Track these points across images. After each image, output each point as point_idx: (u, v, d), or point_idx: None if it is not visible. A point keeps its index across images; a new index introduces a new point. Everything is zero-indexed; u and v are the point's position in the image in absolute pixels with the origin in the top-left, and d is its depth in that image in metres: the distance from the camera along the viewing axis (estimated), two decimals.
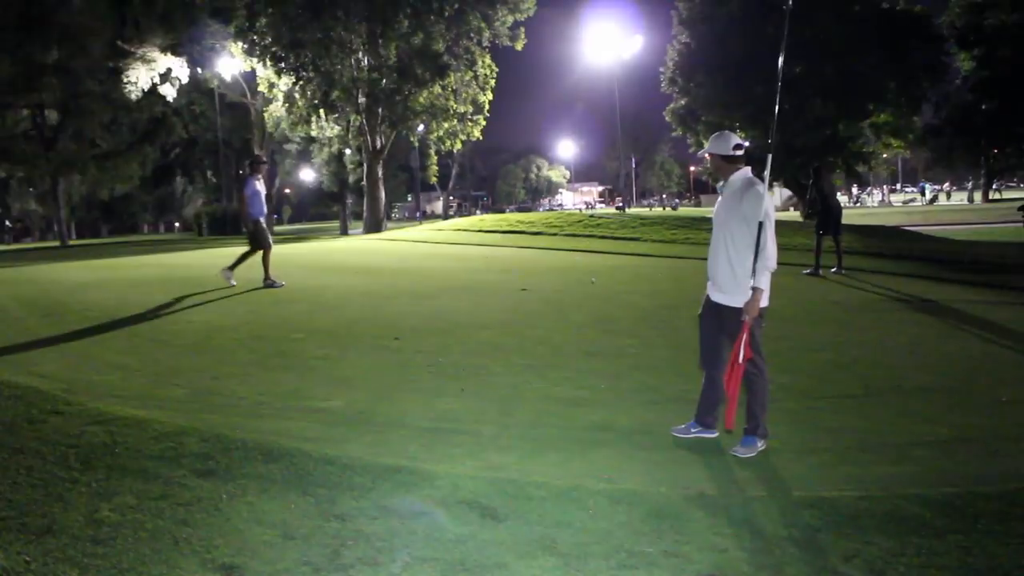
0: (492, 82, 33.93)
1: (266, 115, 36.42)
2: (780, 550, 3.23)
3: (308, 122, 32.74)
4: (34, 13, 28.98)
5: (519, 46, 33.33)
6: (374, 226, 33.06)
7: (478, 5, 31.61)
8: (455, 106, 32.85)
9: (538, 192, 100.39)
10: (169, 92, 33.96)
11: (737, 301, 4.43)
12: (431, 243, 21.89)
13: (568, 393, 5.81)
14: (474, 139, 35.95)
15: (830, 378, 6.25)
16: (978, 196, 56.14)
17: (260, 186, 11.73)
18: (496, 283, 12.09)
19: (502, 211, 65.39)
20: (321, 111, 31.74)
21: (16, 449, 4.18)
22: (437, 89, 31.63)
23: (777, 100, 4.68)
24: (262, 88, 33.60)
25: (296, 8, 29.51)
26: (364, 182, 34.90)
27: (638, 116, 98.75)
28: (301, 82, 30.90)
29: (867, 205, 64.05)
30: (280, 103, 33.06)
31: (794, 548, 3.25)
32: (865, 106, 31.39)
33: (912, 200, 65.66)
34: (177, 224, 73.48)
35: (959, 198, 62.64)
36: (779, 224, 4.46)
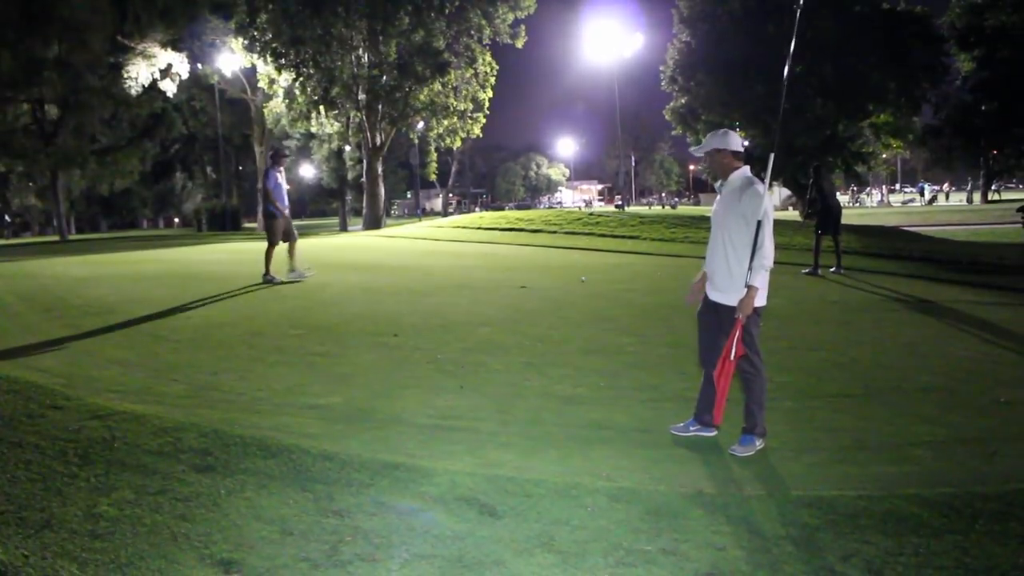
0: (492, 80, 33.92)
1: (266, 111, 36.39)
2: (778, 549, 3.24)
3: (308, 118, 32.71)
4: (35, 8, 28.90)
5: (519, 44, 33.30)
6: (373, 223, 33.05)
7: (479, 2, 31.59)
8: (455, 103, 32.83)
9: (537, 190, 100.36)
10: (169, 88, 33.90)
11: (734, 299, 4.45)
12: (430, 240, 21.89)
13: (567, 391, 5.82)
14: (474, 136, 35.95)
15: (829, 377, 6.25)
16: (977, 197, 56.14)
17: (282, 179, 11.63)
18: (495, 280, 12.10)
19: (501, 209, 65.30)
20: (321, 107, 31.71)
21: (15, 444, 4.18)
22: (437, 86, 31.60)
23: (783, 101, 4.69)
24: (262, 84, 33.56)
25: (297, 4, 29.47)
26: (364, 179, 34.88)
27: (638, 115, 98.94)
28: (301, 78, 30.86)
29: (866, 205, 64.04)
30: (280, 99, 33.03)
31: (792, 547, 3.25)
32: (865, 106, 31.40)
33: (911, 200, 65.65)
34: (176, 220, 73.39)
35: (958, 199, 62.63)
36: (778, 223, 4.47)
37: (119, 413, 4.74)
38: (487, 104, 34.16)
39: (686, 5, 33.71)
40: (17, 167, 38.13)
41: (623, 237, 18.95)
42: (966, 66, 44.93)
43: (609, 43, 38.68)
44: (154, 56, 32.40)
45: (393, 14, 30.24)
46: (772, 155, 4.70)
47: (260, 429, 4.62)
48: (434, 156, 38.35)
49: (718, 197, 4.66)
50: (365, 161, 34.00)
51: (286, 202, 11.71)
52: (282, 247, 11.74)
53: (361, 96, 31.56)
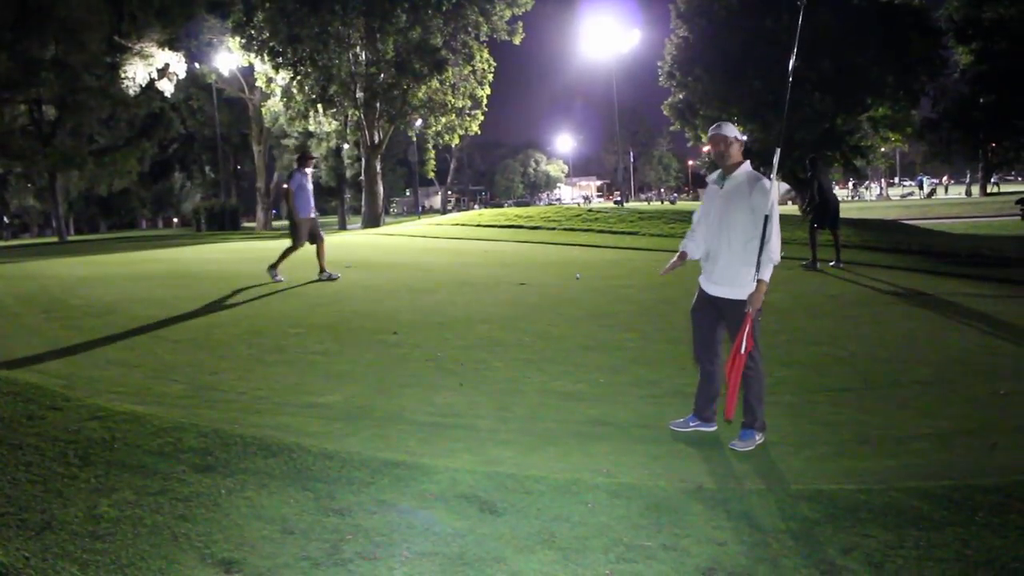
0: (490, 77, 33.88)
1: (264, 110, 36.34)
2: (778, 543, 3.24)
3: (306, 117, 32.67)
4: (31, 8, 28.85)
5: (517, 40, 33.26)
6: (372, 221, 33.04)
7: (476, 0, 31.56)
8: (453, 101, 32.79)
9: (536, 186, 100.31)
10: (167, 87, 33.85)
11: (739, 294, 4.44)
12: (429, 238, 21.88)
13: (566, 387, 5.82)
14: (472, 134, 35.90)
15: (828, 371, 6.26)
16: (976, 190, 56.13)
17: (307, 181, 11.49)
18: (494, 277, 12.09)
19: (500, 205, 65.31)
20: (319, 106, 31.67)
21: (15, 445, 4.18)
22: (435, 84, 31.56)
23: (788, 96, 4.68)
24: (260, 83, 33.51)
25: (294, 2, 29.42)
26: (362, 177, 34.85)
27: (636, 110, 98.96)
28: (299, 77, 30.82)
29: (865, 199, 64.03)
30: (278, 98, 32.98)
31: (792, 541, 3.25)
32: (863, 100, 31.32)
33: (910, 194, 65.65)
34: (175, 220, 73.35)
35: (957, 192, 62.64)
36: (780, 218, 4.46)
37: (119, 414, 4.74)
38: (485, 101, 34.12)
39: (683, 0, 33.65)
40: (15, 168, 38.10)
41: (622, 233, 18.95)
42: (964, 59, 44.85)
43: (607, 39, 38.65)
44: (151, 56, 32.35)
45: (390, 12, 30.19)
46: (779, 150, 4.69)
47: (260, 428, 4.63)
48: (432, 154, 38.29)
49: (714, 191, 4.62)
50: (363, 159, 33.97)
51: (312, 204, 11.59)
52: (310, 249, 11.66)
53: (359, 94, 31.52)
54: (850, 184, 67.82)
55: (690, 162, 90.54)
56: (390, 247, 19.09)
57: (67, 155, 32.71)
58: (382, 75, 31.32)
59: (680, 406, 5.04)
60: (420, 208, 61.40)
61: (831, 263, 12.52)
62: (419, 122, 35.71)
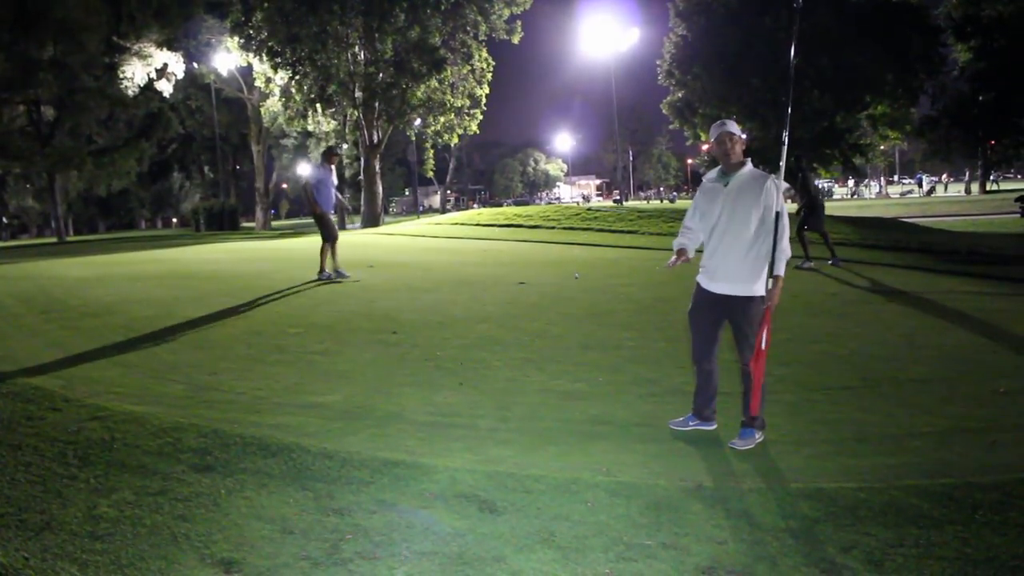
0: (489, 76, 33.88)
1: (263, 110, 36.33)
2: (778, 542, 3.24)
3: (305, 117, 32.66)
4: (29, 9, 28.83)
5: (516, 40, 33.27)
6: (372, 220, 33.03)
7: None
8: (452, 100, 32.79)
9: (536, 186, 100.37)
10: (165, 87, 33.84)
11: (747, 290, 4.45)
12: (428, 237, 21.88)
13: (566, 386, 5.82)
14: (471, 133, 35.91)
15: (827, 369, 6.26)
16: (975, 187, 56.12)
17: (327, 176, 11.52)
18: (493, 277, 12.09)
19: (500, 205, 65.30)
20: (318, 106, 31.66)
21: (14, 446, 4.18)
22: (434, 83, 31.56)
23: (790, 94, 4.69)
24: (259, 83, 33.51)
25: (292, 2, 29.41)
26: (361, 177, 34.83)
27: (635, 109, 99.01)
28: (298, 77, 30.82)
29: (864, 197, 64.02)
30: (277, 98, 32.98)
31: (792, 539, 3.25)
32: (862, 98, 31.34)
33: (909, 192, 65.61)
34: (174, 220, 73.35)
35: (956, 189, 62.62)
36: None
37: (118, 414, 4.74)
38: (484, 100, 34.13)
39: None
40: (14, 169, 38.08)
41: (621, 232, 18.94)
42: (963, 56, 44.82)
43: (606, 38, 38.66)
44: (150, 56, 32.34)
45: (389, 11, 30.18)
46: (784, 148, 4.70)
47: (259, 428, 4.62)
48: (431, 153, 38.24)
49: (716, 190, 4.59)
50: (363, 159, 33.96)
51: (333, 200, 11.63)
52: (316, 247, 11.70)
53: (358, 94, 31.51)
54: (849, 182, 67.80)
55: (689, 161, 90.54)
56: (389, 246, 19.08)
57: (66, 155, 32.69)
58: (381, 75, 31.31)
59: (679, 405, 5.04)
60: (420, 208, 61.37)
61: (829, 262, 12.47)
62: (418, 121, 35.68)
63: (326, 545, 3.15)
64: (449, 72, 31.81)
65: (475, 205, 79.23)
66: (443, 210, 67.18)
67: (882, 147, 39.56)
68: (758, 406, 4.42)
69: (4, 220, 61.01)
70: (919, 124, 42.53)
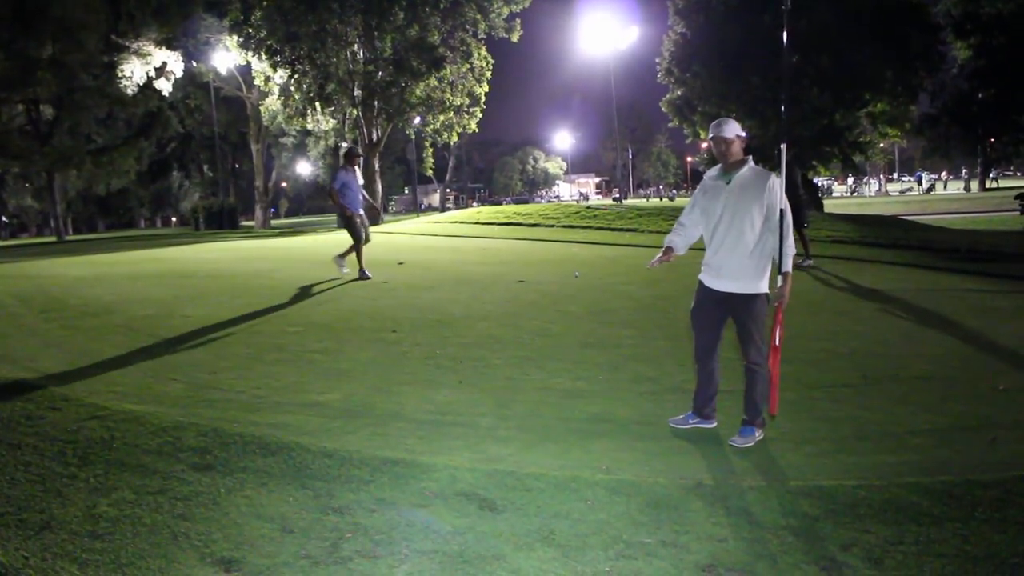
0: (488, 74, 33.83)
1: (262, 109, 36.29)
2: (778, 539, 3.24)
3: (304, 115, 32.62)
4: (28, 7, 28.79)
5: (515, 38, 33.21)
6: (371, 219, 32.99)
7: None
8: (451, 98, 32.76)
9: (535, 184, 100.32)
10: (164, 86, 33.79)
11: (752, 288, 4.47)
12: (428, 235, 21.87)
13: (566, 384, 5.82)
14: (471, 131, 35.88)
15: (828, 367, 6.26)
16: (975, 185, 56.13)
17: (351, 177, 11.48)
18: (493, 275, 12.09)
19: (499, 203, 65.28)
20: (317, 104, 31.62)
21: (14, 445, 4.18)
22: (433, 81, 31.53)
23: (788, 94, 4.69)
24: (258, 82, 33.46)
25: (291, 1, 29.38)
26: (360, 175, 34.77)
27: (634, 107, 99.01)
28: (297, 75, 30.78)
29: (864, 195, 64.01)
30: (276, 96, 32.95)
31: (792, 537, 3.25)
32: (862, 95, 31.30)
33: (909, 189, 65.60)
34: (174, 219, 73.31)
35: (956, 187, 62.62)
36: None
37: (118, 413, 4.74)
38: (483, 99, 34.07)
39: None
40: (13, 168, 38.09)
41: (621, 230, 18.93)
42: (963, 54, 44.79)
43: (605, 36, 38.61)
44: (149, 55, 32.29)
45: (388, 9, 30.14)
46: (784, 145, 4.71)
47: (259, 427, 4.62)
48: (431, 151, 38.20)
49: (718, 188, 4.57)
50: (362, 157, 33.94)
51: (357, 202, 11.59)
52: (344, 242, 11.71)
53: (357, 92, 31.48)
54: (849, 180, 67.77)
55: (688, 158, 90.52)
56: (389, 245, 19.07)
57: (65, 154, 32.67)
58: (380, 73, 31.29)
59: (679, 403, 5.04)
60: (420, 206, 61.39)
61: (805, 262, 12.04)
62: (417, 120, 35.66)
63: (326, 544, 3.15)
64: (448, 70, 31.78)
65: (474, 203, 79.20)
66: (443, 208, 67.17)
67: (881, 145, 39.51)
68: (776, 405, 4.44)
69: (3, 219, 61.01)
70: (919, 122, 42.51)
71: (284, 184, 69.47)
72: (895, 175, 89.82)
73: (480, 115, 34.51)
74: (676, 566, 3.02)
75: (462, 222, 24.56)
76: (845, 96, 30.62)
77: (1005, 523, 3.34)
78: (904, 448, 4.43)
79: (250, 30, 30.58)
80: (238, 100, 42.57)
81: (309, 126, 35.27)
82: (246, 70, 35.49)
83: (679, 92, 34.49)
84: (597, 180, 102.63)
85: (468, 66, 33.09)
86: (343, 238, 11.91)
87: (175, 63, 33.46)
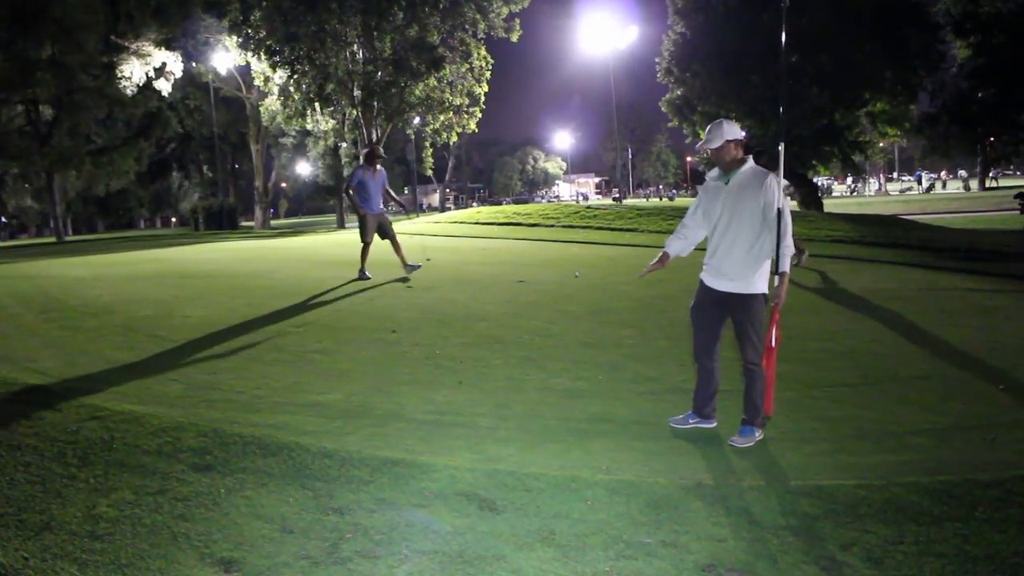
0: (488, 74, 33.83)
1: (261, 109, 36.28)
2: (778, 539, 3.24)
3: (303, 116, 32.63)
4: (27, 8, 28.77)
5: (514, 38, 33.21)
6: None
7: None
8: (451, 98, 32.77)
9: (535, 184, 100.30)
10: (164, 87, 33.78)
11: (750, 288, 4.47)
12: (427, 235, 21.86)
13: (566, 384, 5.82)
14: (470, 131, 35.88)
15: (827, 367, 6.26)
16: (975, 184, 56.13)
17: (369, 177, 11.42)
18: (493, 275, 12.08)
19: (499, 203, 65.26)
20: (316, 104, 31.63)
21: (13, 446, 4.18)
22: (432, 82, 31.54)
23: (788, 93, 4.71)
24: (257, 82, 33.47)
25: (290, 1, 29.39)
26: None
27: (634, 107, 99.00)
28: (296, 75, 30.78)
29: (864, 194, 64.01)
30: (275, 97, 32.95)
31: (792, 537, 3.25)
32: (861, 95, 31.31)
33: (909, 189, 65.59)
34: (173, 219, 73.30)
35: (956, 186, 62.61)
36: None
37: (118, 413, 4.74)
38: (483, 99, 34.08)
39: None
40: (12, 168, 38.06)
41: (621, 230, 18.93)
42: (962, 53, 44.74)
43: (604, 36, 38.64)
44: (148, 55, 32.28)
45: (387, 9, 30.14)
46: (782, 145, 4.71)
47: (259, 427, 4.62)
48: (430, 151, 38.19)
49: (718, 189, 4.58)
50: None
51: (378, 199, 11.54)
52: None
53: (356, 92, 31.48)
54: (848, 179, 67.77)
55: (688, 158, 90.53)
56: (388, 245, 19.04)
57: (64, 155, 32.66)
58: (379, 73, 31.29)
59: (679, 403, 5.04)
60: (420, 206, 61.38)
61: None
62: (417, 120, 35.66)
63: (326, 544, 3.15)
64: (448, 70, 31.79)
65: (474, 203, 79.19)
66: (442, 208, 67.16)
67: (881, 144, 39.52)
68: (771, 406, 4.44)
69: (3, 220, 60.99)
70: (918, 121, 42.47)
71: (283, 184, 69.39)
72: (895, 174, 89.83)
73: (480, 115, 34.52)
74: (676, 566, 3.01)
75: (462, 222, 24.55)
76: (845, 95, 30.63)
77: (1005, 523, 3.34)
78: (904, 447, 4.43)
79: (249, 30, 30.59)
80: (237, 100, 42.58)
81: (308, 126, 35.28)
82: (245, 70, 35.51)
83: (679, 92, 34.48)
84: (597, 180, 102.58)
85: (468, 66, 33.10)
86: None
87: (174, 63, 33.46)
